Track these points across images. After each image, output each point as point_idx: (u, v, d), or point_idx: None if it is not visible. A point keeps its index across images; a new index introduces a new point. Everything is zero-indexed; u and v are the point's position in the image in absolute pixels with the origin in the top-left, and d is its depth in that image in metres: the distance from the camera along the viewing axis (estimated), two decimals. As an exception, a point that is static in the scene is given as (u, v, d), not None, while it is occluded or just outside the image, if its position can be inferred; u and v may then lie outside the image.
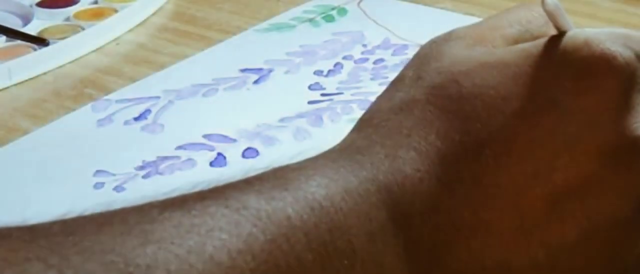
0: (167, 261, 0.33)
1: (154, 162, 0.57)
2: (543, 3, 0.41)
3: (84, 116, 0.63)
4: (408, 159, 0.39)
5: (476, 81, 0.40)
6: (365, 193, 0.37)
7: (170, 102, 0.64)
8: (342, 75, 0.66)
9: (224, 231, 0.34)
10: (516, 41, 0.42)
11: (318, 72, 0.67)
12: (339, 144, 0.41)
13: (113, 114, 0.63)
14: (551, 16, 0.41)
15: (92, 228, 0.34)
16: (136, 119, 0.62)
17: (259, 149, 0.58)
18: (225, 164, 0.57)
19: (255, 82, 0.66)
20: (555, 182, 0.38)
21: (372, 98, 0.61)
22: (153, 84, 0.66)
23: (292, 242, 0.35)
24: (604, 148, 0.39)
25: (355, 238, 0.36)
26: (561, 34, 0.41)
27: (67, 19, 0.74)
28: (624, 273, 0.41)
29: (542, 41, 0.40)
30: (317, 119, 0.61)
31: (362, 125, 0.41)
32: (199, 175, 0.55)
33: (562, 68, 0.39)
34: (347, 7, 0.76)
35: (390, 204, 0.38)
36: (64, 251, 0.32)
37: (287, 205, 0.36)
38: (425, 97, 0.40)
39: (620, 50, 0.39)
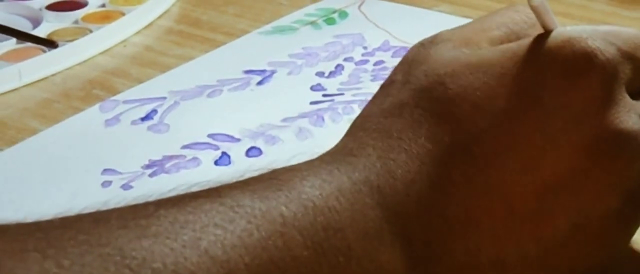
0: (162, 254, 0.32)
1: (160, 161, 0.57)
2: (529, 0, 0.40)
3: (92, 116, 0.63)
4: (399, 161, 0.38)
5: (462, 82, 0.40)
6: (358, 194, 0.37)
7: (176, 102, 0.64)
8: (343, 76, 0.66)
9: (218, 226, 0.34)
10: (502, 43, 0.42)
11: (320, 74, 0.67)
12: (332, 148, 0.41)
13: (120, 114, 0.62)
14: (537, 13, 0.41)
15: (89, 223, 0.33)
16: (143, 119, 0.62)
17: (262, 148, 0.58)
18: (229, 163, 0.57)
19: (259, 83, 0.66)
20: (543, 178, 0.38)
21: (372, 99, 0.62)
22: (159, 85, 0.66)
23: (286, 239, 0.35)
24: (589, 142, 0.39)
25: (350, 236, 0.36)
26: (546, 32, 0.40)
27: (76, 22, 0.74)
28: (614, 264, 0.41)
29: (526, 40, 0.40)
30: (319, 119, 0.61)
31: (354, 129, 0.41)
32: (204, 173, 0.55)
33: (545, 66, 0.39)
34: (348, 10, 0.76)
35: (384, 205, 0.38)
36: (61, 243, 0.32)
37: (280, 204, 0.36)
38: (413, 100, 0.40)
39: (601, 46, 0.39)
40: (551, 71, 0.39)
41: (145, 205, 0.35)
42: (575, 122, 0.39)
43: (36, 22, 0.74)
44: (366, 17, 0.75)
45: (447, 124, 0.39)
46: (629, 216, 0.40)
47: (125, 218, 0.34)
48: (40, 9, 0.76)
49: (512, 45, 0.41)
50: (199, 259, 0.33)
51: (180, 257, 0.33)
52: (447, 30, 0.43)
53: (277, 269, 0.34)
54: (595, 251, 0.40)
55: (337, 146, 0.41)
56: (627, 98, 0.40)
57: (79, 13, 0.75)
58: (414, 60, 0.42)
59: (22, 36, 0.72)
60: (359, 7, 0.76)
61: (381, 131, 0.40)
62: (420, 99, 0.40)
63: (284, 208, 0.36)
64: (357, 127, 0.41)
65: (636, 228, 0.41)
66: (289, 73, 0.67)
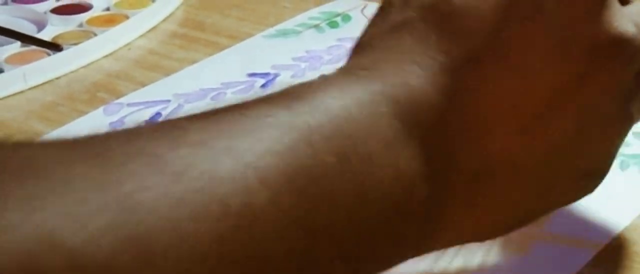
0: (200, 161, 0.33)
1: (164, 163, 0.57)
2: None
3: (97, 119, 0.63)
4: (412, 73, 0.40)
5: None
6: (376, 105, 0.38)
7: (179, 105, 0.64)
8: (346, 79, 0.66)
9: (247, 135, 0.35)
10: None
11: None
12: (342, 66, 0.42)
13: (125, 117, 0.63)
14: None
15: (125, 136, 0.35)
16: (147, 122, 0.62)
17: (266, 151, 0.58)
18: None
19: (262, 86, 0.66)
20: (550, 83, 0.41)
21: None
22: (163, 88, 0.66)
23: (313, 145, 0.36)
24: (589, 47, 0.41)
25: (371, 144, 0.37)
26: None
27: (81, 25, 0.74)
28: (610, 164, 0.45)
29: None
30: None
31: (360, 48, 0.43)
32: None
33: None
34: (351, 13, 0.76)
35: (400, 114, 0.39)
36: (103, 152, 0.33)
37: (305, 113, 0.37)
38: (418, 17, 0.42)
39: None
40: None
41: (173, 120, 0.36)
42: (575, 28, 0.41)
43: (41, 26, 0.74)
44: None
45: (455, 37, 0.41)
46: (625, 116, 0.43)
47: (158, 131, 0.35)
48: (45, 13, 0.76)
49: None
50: (233, 164, 0.34)
51: (217, 163, 0.34)
52: None
53: (307, 173, 0.35)
54: (595, 152, 0.43)
55: (347, 63, 0.42)
56: (619, 5, 0.43)
57: (84, 16, 0.75)
58: None
59: (27, 39, 0.72)
60: (362, 10, 0.76)
61: (390, 47, 0.41)
62: (426, 15, 0.42)
63: (308, 117, 0.37)
64: (364, 46, 0.43)
65: (630, 128, 0.44)
66: (293, 76, 0.67)
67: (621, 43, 0.42)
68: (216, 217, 0.33)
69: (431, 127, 0.39)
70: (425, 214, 0.39)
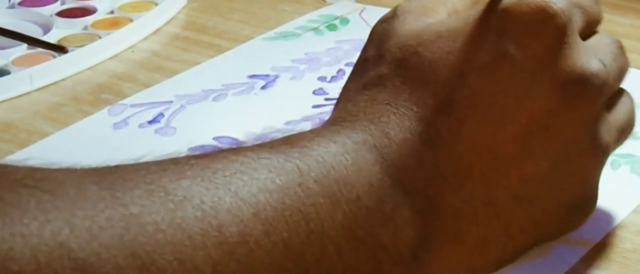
0: (200, 194, 0.35)
1: (166, 163, 0.57)
2: None
3: (101, 119, 0.63)
4: (390, 123, 0.41)
5: (434, 50, 0.42)
6: (360, 152, 0.40)
7: (182, 106, 0.64)
8: (345, 81, 0.66)
9: (244, 174, 0.37)
10: (455, 7, 0.45)
11: (322, 78, 0.67)
12: (327, 120, 0.43)
13: (128, 117, 0.62)
14: None
15: (132, 168, 0.36)
16: (150, 122, 0.62)
17: (266, 151, 0.58)
18: (234, 165, 0.57)
19: (263, 87, 0.66)
20: (520, 124, 0.41)
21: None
22: (166, 89, 0.66)
23: (304, 188, 0.37)
24: (557, 86, 0.42)
25: (358, 188, 0.39)
26: None
27: (85, 28, 0.74)
28: (595, 195, 0.45)
29: (481, 7, 0.43)
30: (321, 123, 0.61)
31: (341, 103, 0.44)
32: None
33: (507, 24, 0.42)
34: (349, 16, 0.76)
35: (383, 162, 0.40)
36: (112, 179, 0.34)
37: (296, 158, 0.38)
38: (392, 71, 0.43)
39: (554, 0, 0.42)
40: (513, 27, 0.42)
41: (176, 157, 0.38)
42: (542, 69, 0.42)
43: (47, 28, 0.74)
44: (367, 23, 0.75)
45: (427, 88, 0.42)
46: (599, 145, 0.44)
47: (162, 164, 0.37)
48: (51, 16, 0.76)
49: (472, 12, 0.43)
50: (231, 199, 0.35)
51: (215, 196, 0.35)
52: (404, 3, 0.46)
53: (299, 213, 0.37)
54: (576, 185, 0.44)
55: (330, 118, 0.43)
56: (582, 42, 0.43)
57: (89, 19, 0.75)
58: (381, 36, 0.45)
59: (33, 42, 0.72)
60: (360, 13, 0.76)
61: (367, 100, 0.42)
62: (398, 69, 0.43)
63: (299, 162, 0.38)
64: (344, 101, 0.44)
65: (606, 159, 0.45)
66: (292, 78, 0.67)
67: (586, 79, 0.42)
68: (213, 244, 0.34)
69: (411, 172, 0.40)
70: (412, 255, 0.39)
